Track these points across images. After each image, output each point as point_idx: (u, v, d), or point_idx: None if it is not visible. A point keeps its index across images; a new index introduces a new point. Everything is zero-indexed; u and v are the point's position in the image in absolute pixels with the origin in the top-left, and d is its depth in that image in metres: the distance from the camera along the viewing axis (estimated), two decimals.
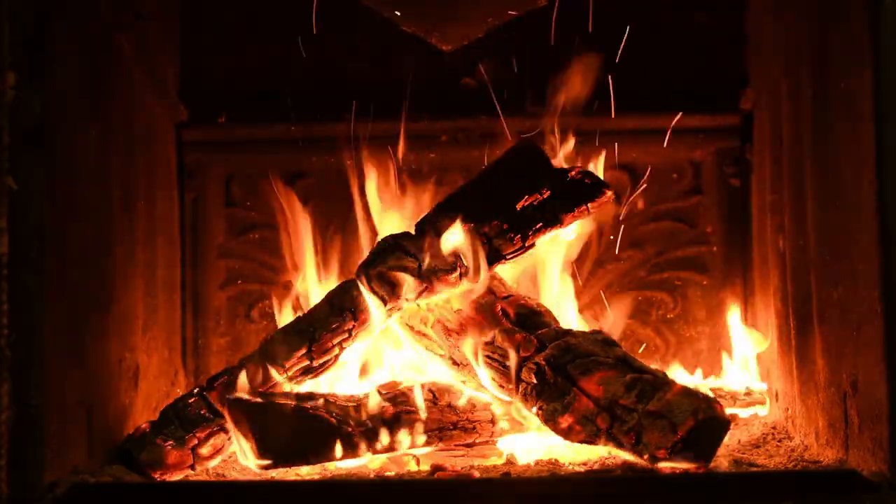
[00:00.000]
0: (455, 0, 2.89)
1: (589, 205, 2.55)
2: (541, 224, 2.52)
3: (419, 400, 2.37)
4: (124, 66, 2.47)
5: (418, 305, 2.50)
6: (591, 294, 3.05)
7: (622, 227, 3.03)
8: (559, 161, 2.63)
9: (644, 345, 3.02)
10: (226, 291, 3.11)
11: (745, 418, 2.72)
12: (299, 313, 2.50)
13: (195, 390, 2.36)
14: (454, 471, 2.22)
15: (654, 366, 2.24)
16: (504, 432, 2.47)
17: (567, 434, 2.22)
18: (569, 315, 2.73)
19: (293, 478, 2.26)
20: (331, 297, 2.44)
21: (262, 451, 2.16)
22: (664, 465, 2.04)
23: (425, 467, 2.31)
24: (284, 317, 2.68)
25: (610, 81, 2.84)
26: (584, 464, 2.29)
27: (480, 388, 2.46)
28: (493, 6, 2.87)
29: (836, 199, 2.07)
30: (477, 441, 2.44)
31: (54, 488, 1.88)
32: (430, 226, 2.50)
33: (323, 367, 2.39)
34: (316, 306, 2.44)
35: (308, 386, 2.41)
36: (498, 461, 2.36)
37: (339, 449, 2.23)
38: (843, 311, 2.01)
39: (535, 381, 2.27)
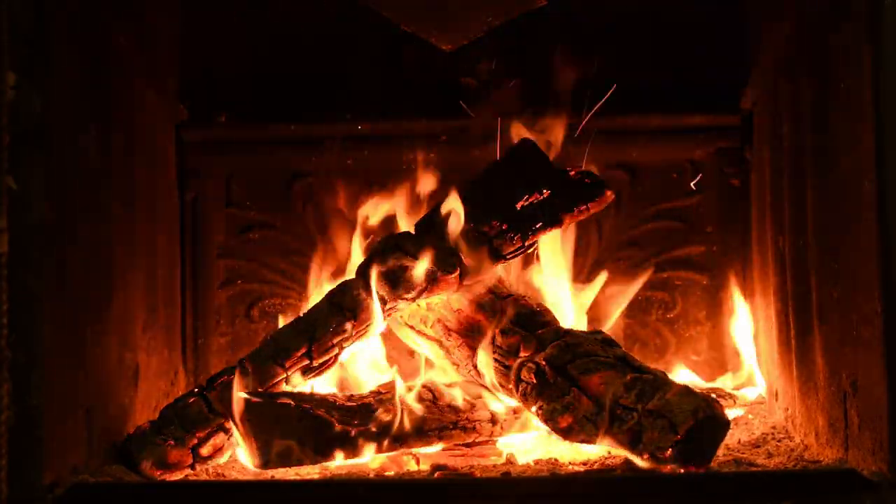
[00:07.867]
0: (455, 0, 2.88)
1: (589, 205, 2.55)
2: (541, 224, 2.52)
3: (418, 400, 2.37)
4: (124, 66, 2.47)
5: (418, 305, 2.50)
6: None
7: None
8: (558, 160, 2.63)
9: (644, 345, 3.02)
10: (226, 291, 3.10)
11: (743, 417, 2.73)
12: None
13: (195, 390, 2.36)
14: (454, 470, 2.22)
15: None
16: (504, 432, 2.47)
17: (567, 434, 2.22)
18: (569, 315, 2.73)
19: (293, 478, 2.26)
20: (331, 297, 2.44)
21: (261, 451, 2.16)
22: (664, 465, 2.04)
23: (425, 467, 2.31)
24: None
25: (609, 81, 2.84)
26: (584, 464, 2.29)
27: (480, 387, 2.46)
28: (493, 6, 2.87)
29: (836, 199, 2.06)
30: (477, 441, 2.44)
31: (54, 488, 1.88)
32: (430, 225, 2.50)
33: (323, 367, 2.39)
34: (316, 306, 2.44)
35: (308, 386, 2.41)
36: (498, 461, 2.36)
37: (339, 449, 2.23)
38: (843, 311, 2.01)
39: (535, 380, 2.27)
